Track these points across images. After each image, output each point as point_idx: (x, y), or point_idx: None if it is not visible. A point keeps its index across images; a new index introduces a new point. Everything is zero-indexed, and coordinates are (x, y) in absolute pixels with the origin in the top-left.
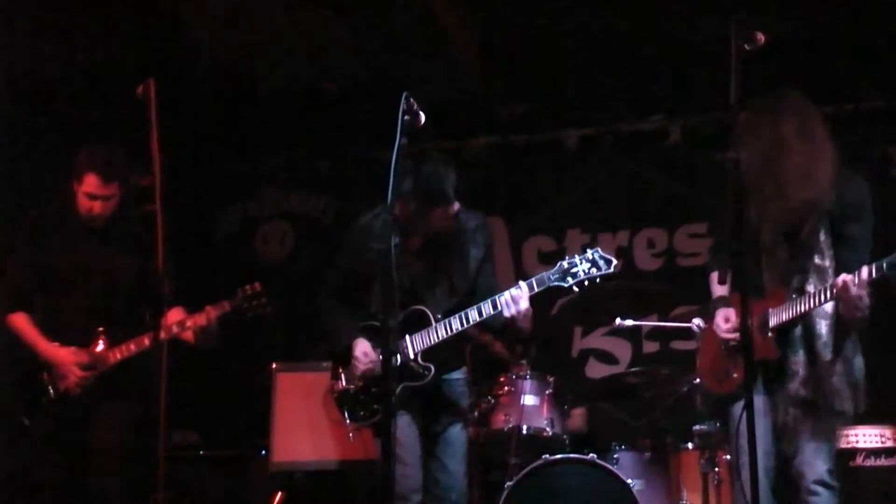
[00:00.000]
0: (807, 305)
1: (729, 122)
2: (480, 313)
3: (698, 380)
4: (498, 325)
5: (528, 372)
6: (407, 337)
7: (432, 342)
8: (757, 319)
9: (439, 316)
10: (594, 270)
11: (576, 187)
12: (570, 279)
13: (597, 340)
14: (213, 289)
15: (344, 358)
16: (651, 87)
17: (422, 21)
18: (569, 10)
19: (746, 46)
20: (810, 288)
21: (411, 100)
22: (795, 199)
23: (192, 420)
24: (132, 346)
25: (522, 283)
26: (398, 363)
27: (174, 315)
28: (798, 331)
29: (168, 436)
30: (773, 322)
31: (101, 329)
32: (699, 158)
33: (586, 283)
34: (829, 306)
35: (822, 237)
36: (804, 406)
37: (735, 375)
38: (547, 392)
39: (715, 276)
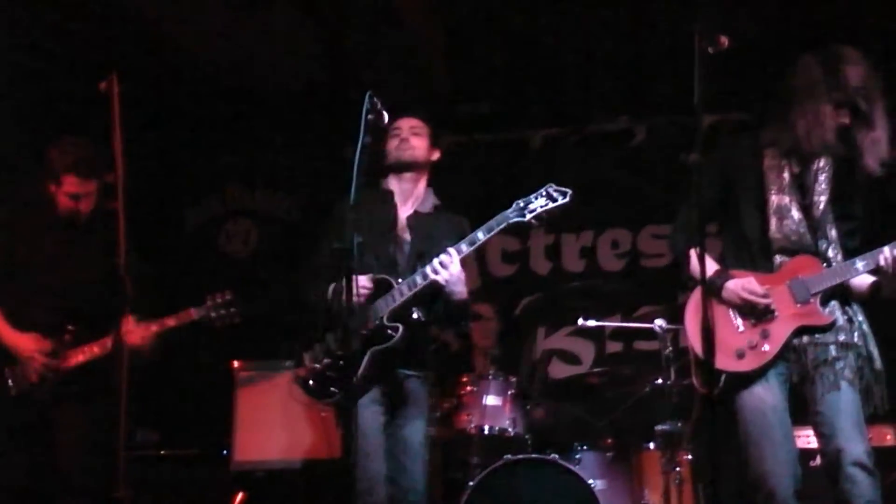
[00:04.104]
0: (862, 269)
1: (694, 124)
2: (425, 276)
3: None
4: (441, 313)
5: (492, 372)
6: (371, 305)
7: (397, 302)
8: (782, 290)
9: (400, 280)
10: (550, 203)
11: (540, 187)
12: (527, 214)
13: (560, 340)
14: (177, 287)
15: (307, 343)
16: (616, 88)
17: (387, 20)
18: (535, 11)
19: (710, 50)
20: (831, 254)
21: (375, 99)
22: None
23: (153, 418)
24: (95, 349)
25: (451, 249)
26: (366, 331)
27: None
28: (836, 294)
29: (129, 434)
30: (818, 288)
31: (70, 328)
32: (664, 160)
33: (545, 215)
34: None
35: (831, 209)
36: (842, 348)
37: (767, 348)
38: (509, 392)
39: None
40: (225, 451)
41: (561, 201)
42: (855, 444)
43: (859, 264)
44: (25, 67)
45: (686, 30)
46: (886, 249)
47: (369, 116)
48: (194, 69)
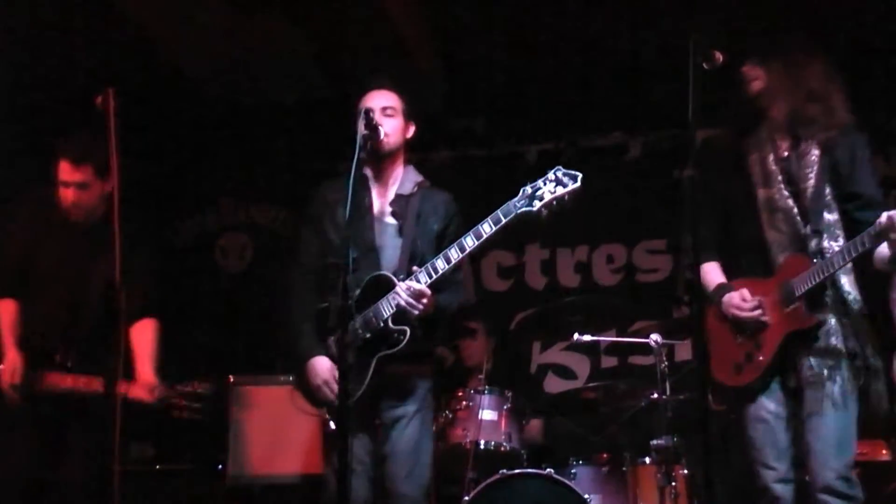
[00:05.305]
0: (840, 261)
1: (688, 139)
2: (444, 262)
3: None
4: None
5: (487, 387)
6: (374, 305)
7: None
8: (776, 295)
9: (402, 277)
10: (560, 189)
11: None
12: (536, 202)
13: (555, 355)
14: (173, 301)
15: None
16: (611, 103)
17: (382, 34)
18: (530, 26)
19: (705, 65)
20: (825, 245)
21: (371, 114)
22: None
23: (148, 433)
24: (81, 383)
25: (419, 273)
26: (369, 335)
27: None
28: (827, 291)
29: (124, 449)
30: (801, 290)
31: (62, 346)
32: (658, 174)
33: (555, 203)
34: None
35: (827, 191)
36: (834, 357)
37: (761, 359)
38: (505, 407)
39: (709, 266)
40: (220, 466)
41: (572, 186)
42: (826, 471)
43: (836, 258)
44: (22, 83)
45: (681, 45)
46: (883, 216)
47: (364, 132)
48: (188, 82)
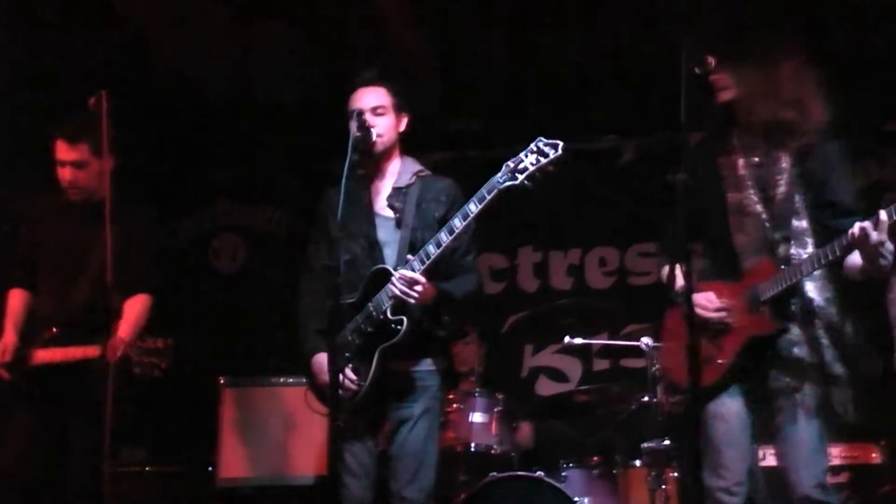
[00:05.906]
0: (808, 268)
1: (680, 143)
2: (435, 246)
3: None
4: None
5: (478, 389)
6: (373, 298)
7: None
8: (742, 299)
9: (398, 268)
10: (542, 159)
11: (528, 205)
12: (519, 175)
13: (547, 358)
14: (166, 303)
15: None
16: (605, 107)
17: (378, 36)
18: (525, 30)
19: (697, 69)
20: (793, 252)
21: (364, 116)
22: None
23: (139, 435)
24: (71, 355)
25: (413, 261)
26: (370, 328)
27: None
28: (794, 298)
29: (115, 452)
30: (766, 295)
31: (54, 329)
32: (651, 178)
33: (538, 174)
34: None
35: (798, 198)
36: (799, 370)
37: (720, 361)
38: (496, 410)
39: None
40: (210, 468)
41: (553, 155)
42: (802, 480)
43: (805, 265)
44: (21, 74)
45: (675, 49)
46: (855, 227)
47: (357, 134)
48: (182, 83)
